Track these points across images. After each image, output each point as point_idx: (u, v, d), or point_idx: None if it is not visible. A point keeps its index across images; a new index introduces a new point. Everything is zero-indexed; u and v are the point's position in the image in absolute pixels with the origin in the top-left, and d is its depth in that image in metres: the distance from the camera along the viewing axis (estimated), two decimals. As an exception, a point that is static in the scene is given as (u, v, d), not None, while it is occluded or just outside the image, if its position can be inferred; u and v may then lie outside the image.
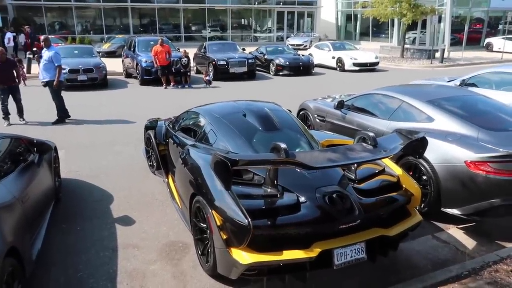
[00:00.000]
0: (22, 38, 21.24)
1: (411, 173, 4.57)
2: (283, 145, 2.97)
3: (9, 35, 20.06)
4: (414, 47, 24.98)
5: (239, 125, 4.11)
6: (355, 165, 3.61)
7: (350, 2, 36.01)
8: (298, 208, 3.04)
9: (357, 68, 18.00)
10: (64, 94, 9.22)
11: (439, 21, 23.27)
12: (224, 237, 2.97)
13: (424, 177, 4.39)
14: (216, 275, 3.31)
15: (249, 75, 15.88)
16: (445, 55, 21.52)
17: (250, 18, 36.17)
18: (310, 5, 36.31)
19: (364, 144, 3.46)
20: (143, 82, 14.22)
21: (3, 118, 8.65)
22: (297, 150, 3.78)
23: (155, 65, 13.52)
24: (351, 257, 3.04)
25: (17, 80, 8.56)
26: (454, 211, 4.18)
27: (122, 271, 3.53)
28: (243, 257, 2.84)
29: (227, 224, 2.91)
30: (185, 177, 3.76)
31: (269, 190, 3.17)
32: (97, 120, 9.20)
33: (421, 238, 4.10)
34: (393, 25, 31.41)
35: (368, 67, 18.33)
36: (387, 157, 3.38)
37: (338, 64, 18.50)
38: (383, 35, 34.11)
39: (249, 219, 2.73)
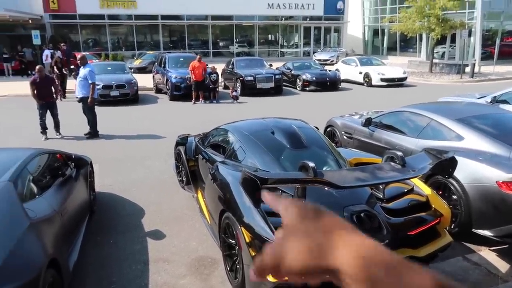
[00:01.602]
0: (58, 55, 22.28)
1: (440, 192, 4.51)
2: (311, 164, 3.01)
3: (47, 52, 21.10)
4: (443, 62, 24.58)
5: (267, 143, 4.19)
6: (383, 184, 3.62)
7: (377, 17, 35.88)
8: None
9: (384, 84, 17.84)
10: (98, 109, 9.62)
11: (469, 35, 22.83)
12: (253, 253, 3.01)
13: (454, 197, 4.33)
14: None
15: (276, 91, 16.03)
16: (476, 69, 21.03)
17: (277, 34, 36.59)
18: (337, 20, 36.40)
19: (393, 164, 3.46)
20: (173, 98, 14.61)
21: (41, 132, 9.09)
22: (324, 168, 3.79)
23: (192, 79, 13.85)
24: None
25: (54, 96, 9.02)
26: (486, 233, 4.09)
27: (153, 285, 3.64)
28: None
29: (255, 241, 2.97)
30: (214, 193, 3.86)
31: None
32: (129, 135, 9.52)
33: (451, 259, 4.02)
34: (421, 40, 31.01)
35: (395, 82, 18.14)
36: (416, 177, 3.39)
37: (365, 79, 18.41)
38: (411, 50, 33.69)
39: None
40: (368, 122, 5.98)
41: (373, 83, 17.96)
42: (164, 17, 31.51)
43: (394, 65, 21.10)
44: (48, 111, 8.98)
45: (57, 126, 9.26)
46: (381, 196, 3.58)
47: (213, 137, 5.17)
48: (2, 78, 20.90)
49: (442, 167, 3.46)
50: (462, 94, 10.21)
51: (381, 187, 3.66)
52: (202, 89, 14.18)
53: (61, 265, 3.02)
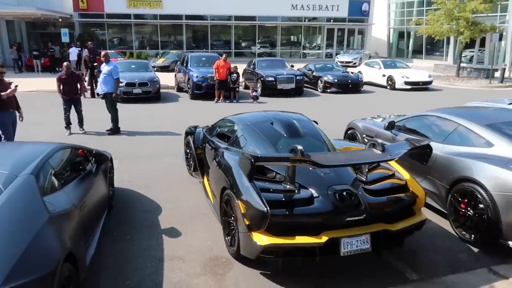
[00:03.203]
0: (85, 53, 22.80)
1: (466, 200, 4.34)
2: (299, 147, 3.58)
3: (72, 49, 21.62)
4: (471, 66, 23.89)
5: (266, 132, 4.68)
6: (367, 168, 4.10)
7: (403, 19, 35.23)
8: (311, 202, 3.56)
9: (408, 87, 17.46)
10: (120, 106, 9.76)
11: (500, 39, 22.06)
12: (247, 223, 3.50)
13: (481, 205, 4.14)
14: (240, 258, 3.82)
15: (297, 92, 15.92)
16: (506, 74, 20.34)
17: (300, 35, 36.38)
18: (361, 22, 35.91)
19: (374, 149, 4.01)
20: (194, 96, 14.71)
21: (65, 127, 9.29)
22: None
23: (215, 78, 13.95)
24: (357, 247, 3.51)
25: (79, 92, 9.19)
26: (514, 244, 3.90)
27: (167, 282, 3.62)
28: (262, 239, 3.40)
29: (249, 211, 3.46)
30: (218, 175, 4.37)
31: (287, 186, 3.70)
32: (149, 131, 9.61)
33: (477, 270, 3.86)
34: (448, 43, 30.27)
35: (420, 86, 17.73)
36: (391, 159, 3.93)
37: (389, 82, 18.06)
38: (438, 53, 32.94)
39: (268, 207, 3.31)
40: (391, 126, 5.82)
41: (397, 86, 17.59)
42: (188, 17, 31.83)
43: (419, 69, 20.61)
44: (72, 106, 9.16)
45: (80, 122, 9.43)
46: (364, 179, 4.00)
47: (219, 127, 5.65)
48: (32, 74, 21.53)
49: (418, 154, 4.10)
50: (490, 99, 9.85)
51: (365, 171, 4.07)
52: (224, 88, 14.22)
53: (78, 259, 3.03)
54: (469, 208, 4.32)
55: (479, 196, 4.15)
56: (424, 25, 23.45)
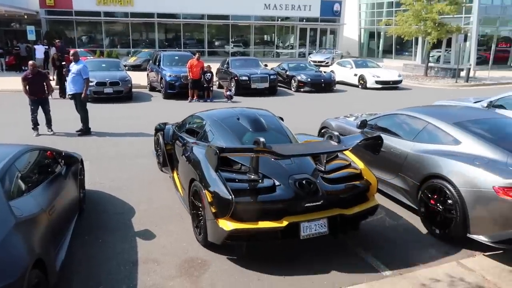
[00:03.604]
0: (53, 51, 22.06)
1: (435, 196, 4.48)
2: (262, 139, 3.91)
3: (38, 47, 20.88)
4: (439, 66, 24.69)
5: (233, 127, 4.92)
6: (325, 159, 4.40)
7: (374, 19, 36.01)
8: (274, 190, 3.82)
9: (379, 86, 17.87)
10: (91, 106, 9.49)
11: (465, 39, 22.92)
12: (214, 210, 3.73)
13: (450, 201, 4.28)
14: (208, 245, 4.05)
15: (271, 91, 15.97)
16: (471, 74, 21.14)
17: (273, 34, 36.56)
18: (333, 22, 36.44)
19: (331, 141, 4.38)
20: (167, 96, 14.50)
21: (32, 128, 8.95)
22: None
23: (189, 77, 13.81)
24: (315, 230, 3.81)
25: (47, 92, 8.87)
26: (481, 238, 4.04)
27: (142, 286, 3.55)
28: (227, 225, 3.64)
29: (215, 200, 3.71)
30: (187, 168, 4.55)
31: (252, 176, 3.92)
32: (121, 132, 9.40)
33: (445, 264, 3.98)
34: (417, 43, 31.16)
35: (390, 85, 18.17)
36: (345, 149, 4.30)
37: (360, 81, 18.42)
38: (407, 53, 33.85)
39: (232, 195, 3.59)
40: (363, 125, 5.92)
41: (368, 85, 17.97)
42: (160, 15, 31.37)
43: (389, 68, 21.12)
44: (40, 107, 8.84)
45: (49, 123, 9.11)
46: (323, 169, 4.28)
47: (188, 123, 5.85)
48: (-5, 73, 20.66)
49: (371, 145, 4.49)
50: (457, 98, 10.22)
51: (324, 162, 4.37)
52: (198, 88, 14.09)
53: (47, 265, 2.92)
54: (438, 204, 4.45)
55: (447, 192, 4.29)
56: (394, 26, 24.06)
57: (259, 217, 3.68)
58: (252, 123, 4.98)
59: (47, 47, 21.96)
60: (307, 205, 3.80)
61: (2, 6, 22.36)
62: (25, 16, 26.24)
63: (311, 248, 4.20)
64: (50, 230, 3.27)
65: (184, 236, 4.45)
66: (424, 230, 4.65)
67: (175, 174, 5.60)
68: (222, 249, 4.02)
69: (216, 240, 3.83)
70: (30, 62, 8.73)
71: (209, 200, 3.77)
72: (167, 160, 5.95)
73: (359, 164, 4.49)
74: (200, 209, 4.08)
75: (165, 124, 6.59)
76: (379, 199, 5.53)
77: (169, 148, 5.95)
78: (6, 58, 22.12)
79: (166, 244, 4.28)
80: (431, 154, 4.69)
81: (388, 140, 5.44)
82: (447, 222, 4.35)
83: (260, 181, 3.88)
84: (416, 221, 4.87)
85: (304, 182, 3.88)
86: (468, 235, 4.14)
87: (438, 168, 4.48)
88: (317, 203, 3.84)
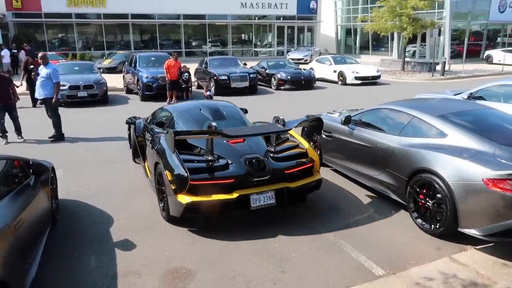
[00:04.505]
0: (22, 55, 21.26)
1: (424, 191, 4.38)
2: (214, 124, 4.78)
3: (4, 52, 20.07)
4: (415, 60, 25.00)
5: (195, 116, 5.51)
6: (274, 141, 4.92)
7: (350, 16, 36.25)
8: (226, 168, 4.35)
9: (358, 82, 17.92)
10: (64, 110, 9.10)
11: (439, 34, 23.26)
12: (173, 187, 4.23)
13: (439, 195, 4.18)
14: (171, 219, 4.57)
15: (251, 90, 15.77)
16: (446, 67, 21.48)
17: (251, 33, 36.37)
18: (310, 20, 36.52)
19: (277, 124, 4.96)
20: (144, 98, 14.10)
21: (0, 136, 8.48)
22: None
23: (167, 78, 13.39)
24: (264, 202, 4.34)
25: (13, 97, 8.41)
26: (472, 231, 3.95)
27: (122, 302, 3.30)
28: (184, 199, 4.16)
29: (174, 177, 4.21)
30: (153, 154, 5.04)
31: (208, 157, 4.41)
32: (97, 137, 9.03)
33: (438, 260, 3.88)
34: (393, 39, 31.51)
35: (370, 81, 18.26)
36: (285, 130, 4.91)
37: (340, 77, 18.43)
38: (383, 49, 34.20)
39: (188, 172, 4.12)
40: (347, 120, 5.80)
41: (348, 81, 17.99)
42: (134, 16, 30.69)
43: (367, 64, 21.24)
44: (6, 113, 8.37)
45: (18, 130, 8.64)
46: (272, 149, 4.79)
47: (157, 116, 6.24)
48: (-39, 80, 19.70)
49: (312, 126, 5.14)
50: (435, 91, 10.26)
51: (273, 143, 4.87)
52: (176, 89, 13.74)
53: (12, 287, 2.63)
54: (428, 199, 4.35)
55: (437, 186, 4.19)
56: (370, 22, 24.22)
57: (212, 191, 4.20)
58: (212, 113, 5.57)
59: (15, 51, 21.13)
60: (255, 179, 4.33)
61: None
62: (-8, 20, 25.22)
63: (304, 251, 4.03)
64: (17, 247, 2.97)
65: (166, 244, 4.21)
66: (414, 226, 4.54)
67: (146, 164, 5.94)
68: (207, 257, 3.81)
69: (176, 213, 4.33)
70: (-9, 67, 8.25)
71: (169, 178, 4.26)
72: (139, 151, 6.35)
73: (305, 144, 5.06)
74: (163, 188, 4.56)
75: (135, 118, 6.95)
76: (367, 195, 5.45)
77: (140, 140, 6.32)
78: (-30, 64, 21.18)
79: (148, 254, 4.03)
80: (418, 148, 4.59)
81: (374, 135, 5.33)
82: (437, 217, 4.26)
83: (214, 161, 4.38)
84: (405, 217, 4.76)
85: (254, 160, 4.40)
86: (459, 229, 4.05)
87: (426, 162, 4.38)
88: (264, 178, 4.37)
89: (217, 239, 4.31)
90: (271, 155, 4.67)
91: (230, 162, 4.38)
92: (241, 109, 6.40)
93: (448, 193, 4.06)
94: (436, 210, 4.25)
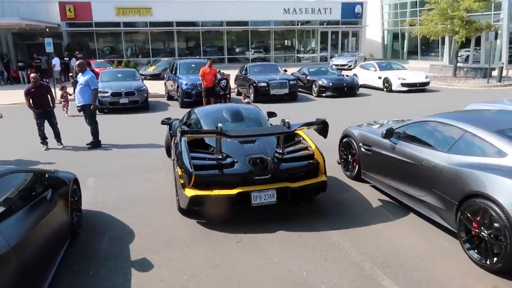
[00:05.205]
0: (73, 63, 22.25)
1: (478, 218, 3.78)
2: (220, 125, 5.07)
3: (55, 60, 21.06)
4: (468, 66, 23.48)
5: (216, 118, 5.84)
6: (286, 143, 5.25)
7: (397, 20, 34.86)
8: (231, 166, 4.62)
9: (405, 89, 16.95)
10: (106, 117, 9.17)
11: (496, 37, 21.61)
12: (182, 182, 4.61)
13: (496, 225, 3.57)
14: (183, 212, 4.94)
15: (291, 97, 15.37)
16: (504, 73, 19.88)
17: (294, 39, 35.95)
18: (355, 25, 35.53)
19: (282, 126, 5.22)
20: (184, 105, 14.11)
21: (41, 142, 8.70)
22: None
23: (203, 85, 13.27)
24: (265, 200, 4.53)
25: (51, 104, 8.59)
26: (538, 271, 3.33)
27: (129, 333, 3.03)
28: (190, 192, 4.50)
29: (182, 173, 4.59)
30: (175, 152, 5.34)
31: (218, 156, 4.71)
32: (134, 144, 9.03)
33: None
34: (443, 43, 29.88)
35: (417, 88, 17.23)
36: (288, 132, 5.08)
37: (385, 84, 17.55)
38: (433, 54, 32.53)
39: (193, 168, 4.47)
40: (389, 134, 5.26)
41: (393, 88, 17.09)
42: (179, 24, 31.35)
43: (415, 70, 20.12)
44: (46, 120, 8.57)
45: (57, 136, 8.83)
46: (280, 150, 4.92)
47: (187, 117, 6.69)
48: (18, 86, 20.90)
49: (319, 129, 5.22)
50: (491, 100, 9.33)
51: (281, 144, 5.00)
52: (213, 96, 13.61)
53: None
54: (482, 228, 3.75)
55: (493, 214, 3.58)
56: (418, 26, 23.03)
57: (215, 186, 4.49)
58: (232, 115, 5.92)
59: (67, 59, 22.15)
60: (256, 178, 4.53)
61: (23, 20, 22.74)
62: (47, 30, 26.56)
63: (320, 270, 3.58)
64: (21, 270, 2.79)
65: (185, 266, 3.92)
66: (466, 258, 3.94)
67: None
68: (225, 285, 3.44)
69: (183, 205, 4.69)
70: (32, 75, 8.48)
71: (179, 173, 4.64)
72: (172, 149, 6.66)
73: (312, 146, 5.17)
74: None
75: (169, 118, 7.37)
76: (410, 216, 4.88)
77: (173, 139, 6.68)
78: (27, 71, 22.45)
79: (164, 276, 3.75)
80: (471, 168, 3.99)
81: (419, 151, 4.76)
82: (494, 250, 3.64)
83: (221, 159, 4.65)
84: (454, 244, 4.16)
85: (258, 160, 4.60)
86: (522, 266, 3.43)
87: (480, 185, 3.79)
88: (265, 177, 4.55)
89: (238, 262, 3.97)
90: (277, 155, 4.85)
91: (235, 160, 4.65)
92: (270, 112, 6.93)
93: (508, 224, 3.45)
94: (493, 242, 3.65)
